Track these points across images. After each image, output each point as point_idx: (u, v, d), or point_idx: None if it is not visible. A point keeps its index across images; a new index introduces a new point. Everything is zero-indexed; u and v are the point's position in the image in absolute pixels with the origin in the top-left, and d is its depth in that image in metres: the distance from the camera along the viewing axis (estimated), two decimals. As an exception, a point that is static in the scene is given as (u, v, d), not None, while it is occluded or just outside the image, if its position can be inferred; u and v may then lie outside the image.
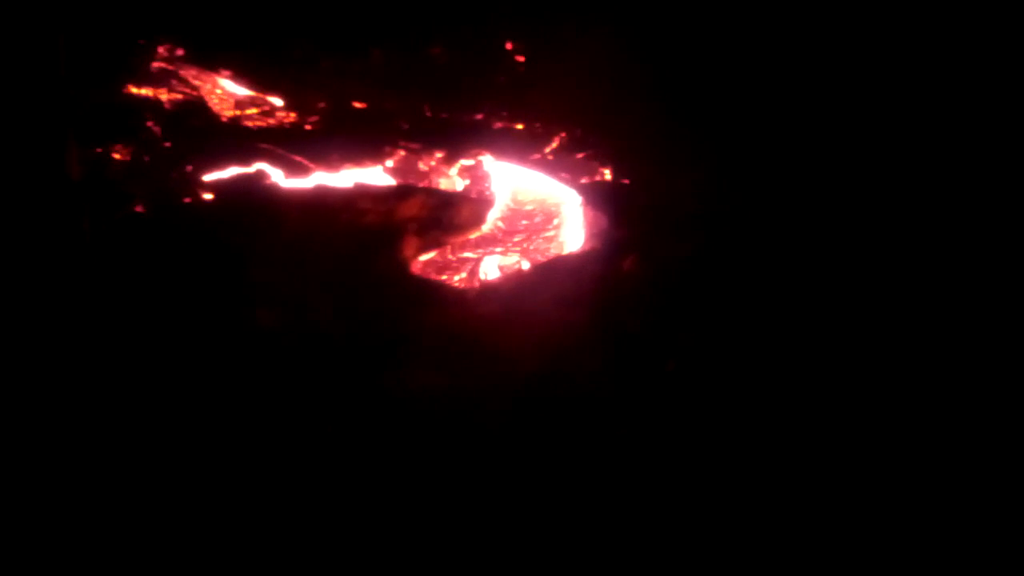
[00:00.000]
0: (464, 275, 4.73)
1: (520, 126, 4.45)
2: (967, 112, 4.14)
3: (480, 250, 4.74)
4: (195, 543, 3.42)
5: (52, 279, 3.67)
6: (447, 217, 4.27)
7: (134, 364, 3.68)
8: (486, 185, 4.59)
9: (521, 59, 4.32)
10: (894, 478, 3.79)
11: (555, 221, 4.82)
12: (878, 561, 3.60)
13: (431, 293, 4.20)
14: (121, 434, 3.58)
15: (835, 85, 4.23)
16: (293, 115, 4.28)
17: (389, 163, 4.43)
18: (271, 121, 4.28)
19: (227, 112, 4.27)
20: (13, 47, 3.79)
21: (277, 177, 4.14)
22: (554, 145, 4.47)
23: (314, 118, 4.29)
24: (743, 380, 4.05)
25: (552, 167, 4.50)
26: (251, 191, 4.05)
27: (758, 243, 4.23)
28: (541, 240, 4.81)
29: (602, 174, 4.53)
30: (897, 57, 4.18)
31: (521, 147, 4.45)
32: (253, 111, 4.27)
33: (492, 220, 4.61)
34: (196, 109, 4.13)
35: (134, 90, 4.07)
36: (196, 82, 4.19)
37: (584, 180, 4.50)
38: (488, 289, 4.44)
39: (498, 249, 4.77)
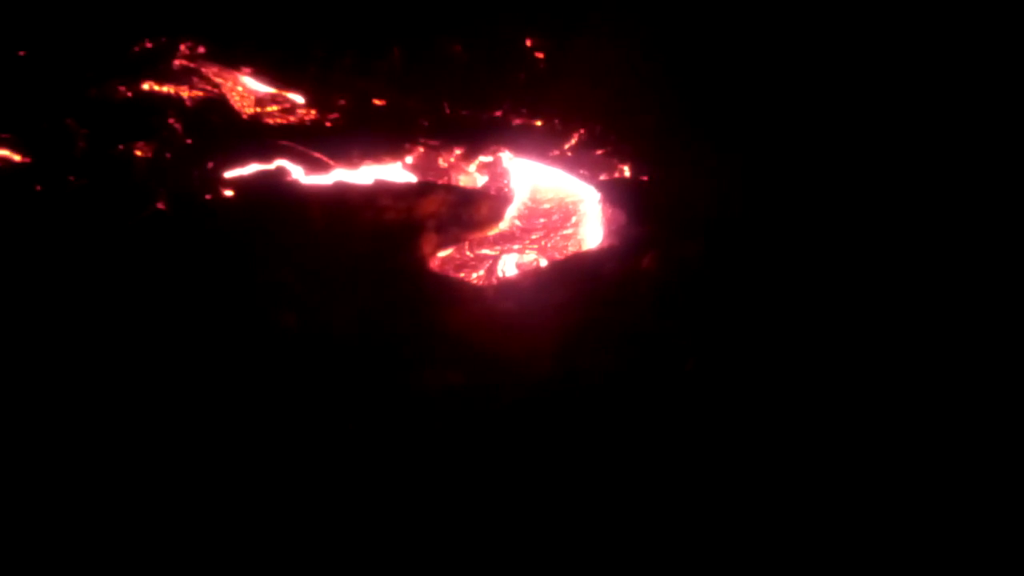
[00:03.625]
0: (482, 272, 4.74)
1: (539, 123, 4.44)
2: (980, 121, 4.13)
3: (498, 247, 4.74)
4: (219, 540, 3.46)
5: (74, 277, 3.72)
6: (466, 214, 4.26)
7: (156, 360, 3.71)
8: (505, 182, 4.59)
9: (540, 56, 4.31)
10: (913, 475, 3.78)
11: (573, 219, 4.81)
12: (895, 557, 3.60)
13: (449, 290, 4.20)
14: (141, 431, 3.62)
15: (853, 90, 4.22)
16: (314, 112, 4.30)
17: (409, 160, 4.44)
18: (292, 118, 4.30)
19: (248, 109, 4.29)
20: (34, 46, 3.85)
21: (297, 174, 4.16)
22: (573, 142, 4.46)
23: (334, 115, 4.30)
24: (760, 378, 4.03)
25: (571, 164, 4.49)
26: (272, 188, 4.07)
27: (776, 241, 4.21)
28: (559, 238, 4.80)
29: (621, 171, 4.52)
30: (913, 72, 4.17)
31: (540, 144, 4.44)
32: (274, 108, 4.29)
33: (510, 217, 4.62)
34: (217, 107, 4.16)
35: (156, 88, 4.11)
36: (217, 80, 4.21)
37: (603, 177, 4.48)
38: (505, 287, 4.42)
39: (516, 247, 4.77)
